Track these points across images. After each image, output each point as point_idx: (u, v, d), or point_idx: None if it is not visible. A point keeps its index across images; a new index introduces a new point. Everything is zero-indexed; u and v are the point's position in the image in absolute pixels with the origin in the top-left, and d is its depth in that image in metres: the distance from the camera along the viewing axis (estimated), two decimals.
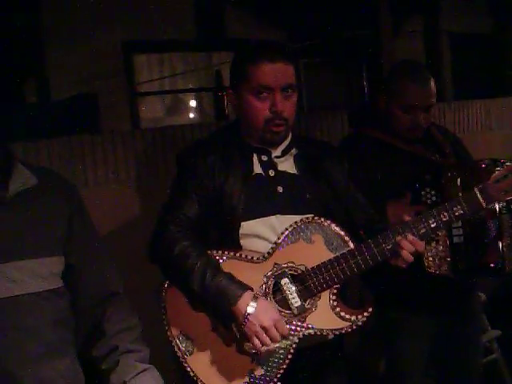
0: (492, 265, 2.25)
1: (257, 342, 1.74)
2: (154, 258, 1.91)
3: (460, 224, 2.23)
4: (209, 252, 1.85)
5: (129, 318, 1.63)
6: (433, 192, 2.24)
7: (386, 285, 2.28)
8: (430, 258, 2.23)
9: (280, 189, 1.92)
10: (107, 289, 1.64)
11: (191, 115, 4.30)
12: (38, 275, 1.46)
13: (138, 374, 1.50)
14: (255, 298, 1.75)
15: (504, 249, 2.24)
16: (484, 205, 1.80)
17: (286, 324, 1.81)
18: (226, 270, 1.81)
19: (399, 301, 2.43)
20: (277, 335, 1.75)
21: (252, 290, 1.78)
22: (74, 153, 2.73)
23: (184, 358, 1.85)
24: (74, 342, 1.56)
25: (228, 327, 1.81)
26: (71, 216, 1.56)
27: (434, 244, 2.22)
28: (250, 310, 1.73)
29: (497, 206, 2.21)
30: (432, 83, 2.39)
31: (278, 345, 1.80)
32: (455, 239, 2.24)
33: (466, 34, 5.38)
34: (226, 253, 1.85)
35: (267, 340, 1.74)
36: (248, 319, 1.73)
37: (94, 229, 1.67)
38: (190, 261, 1.79)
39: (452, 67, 5.28)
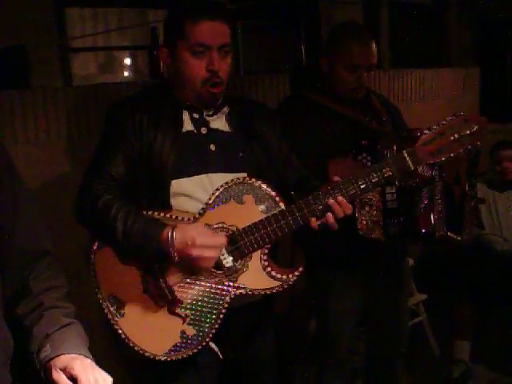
0: (423, 231, 2.31)
1: (198, 259, 1.73)
2: (79, 217, 1.88)
3: (394, 190, 2.28)
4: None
5: (56, 277, 1.60)
6: (369, 157, 2.26)
7: (318, 246, 2.32)
8: (364, 222, 2.27)
9: (212, 147, 1.91)
10: (37, 248, 1.59)
11: (125, 73, 4.18)
12: None
13: (62, 327, 1.47)
14: (176, 226, 1.73)
15: (435, 216, 2.30)
16: (412, 167, 1.84)
17: (218, 285, 1.82)
18: None
19: (331, 262, 2.48)
20: (215, 243, 1.74)
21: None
22: (2, 109, 2.62)
23: (115, 321, 1.84)
24: (1, 303, 1.52)
25: (159, 286, 1.80)
26: None
27: (367, 208, 2.26)
28: (174, 234, 1.71)
29: (431, 173, 2.27)
30: (373, 43, 2.43)
31: (209, 306, 1.81)
32: (388, 204, 2.29)
33: (405, 3, 5.44)
34: (155, 214, 1.83)
35: (209, 253, 1.73)
36: (175, 242, 1.71)
37: (24, 187, 1.60)
38: (112, 211, 1.76)
39: (390, 36, 5.33)
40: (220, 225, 1.83)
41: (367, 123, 2.46)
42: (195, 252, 1.71)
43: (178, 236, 1.72)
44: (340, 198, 1.81)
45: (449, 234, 2.35)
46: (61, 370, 1.36)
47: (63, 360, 1.38)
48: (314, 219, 1.82)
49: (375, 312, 2.64)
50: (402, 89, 4.53)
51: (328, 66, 2.45)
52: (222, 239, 1.77)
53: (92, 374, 1.35)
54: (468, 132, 1.84)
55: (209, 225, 1.83)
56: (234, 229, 1.83)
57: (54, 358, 1.39)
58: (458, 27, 5.62)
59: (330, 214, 1.81)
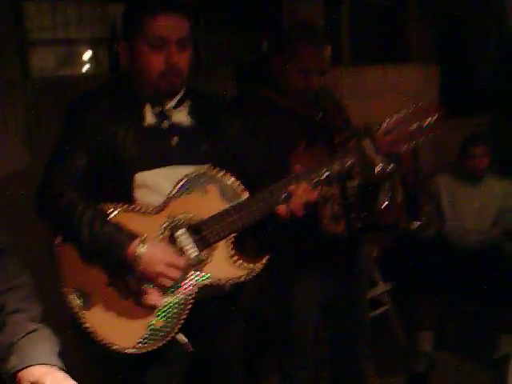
0: (386, 223, 2.33)
1: (160, 280, 1.74)
2: (40, 211, 1.85)
3: (355, 184, 2.30)
4: (101, 206, 1.80)
5: (17, 276, 1.53)
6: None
7: (281, 241, 2.32)
8: (327, 218, 2.28)
9: (174, 140, 1.90)
10: None
11: (86, 67, 4.12)
12: None
13: (27, 334, 1.40)
14: (144, 242, 1.74)
15: (397, 208, 2.33)
16: (373, 155, 1.85)
17: (184, 275, 1.80)
18: (119, 222, 1.77)
19: (294, 256, 2.46)
20: (174, 274, 1.75)
21: (142, 236, 1.76)
22: None
23: (81, 314, 1.80)
24: None
25: (124, 279, 1.78)
26: None
27: (329, 204, 2.27)
28: (140, 251, 1.72)
29: (391, 166, 2.29)
30: (327, 47, 2.41)
31: (176, 298, 1.79)
32: (350, 199, 2.31)
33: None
34: (119, 205, 1.81)
35: (165, 281, 1.75)
36: (141, 260, 1.72)
37: None
38: (77, 212, 1.75)
39: (351, 32, 5.38)
40: (184, 215, 1.82)
41: (321, 119, 2.46)
42: (162, 257, 1.74)
43: (148, 245, 1.73)
44: (304, 185, 1.82)
45: (411, 223, 2.39)
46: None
47: (33, 372, 1.32)
48: (283, 207, 1.82)
49: (334, 302, 2.64)
50: (362, 85, 4.57)
51: (279, 66, 2.41)
52: (184, 261, 1.78)
53: None
54: (427, 121, 1.86)
55: (173, 215, 1.81)
56: (199, 219, 1.82)
57: (22, 369, 1.33)
58: (418, 24, 5.70)
59: (294, 200, 1.81)
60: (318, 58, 2.38)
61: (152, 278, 1.75)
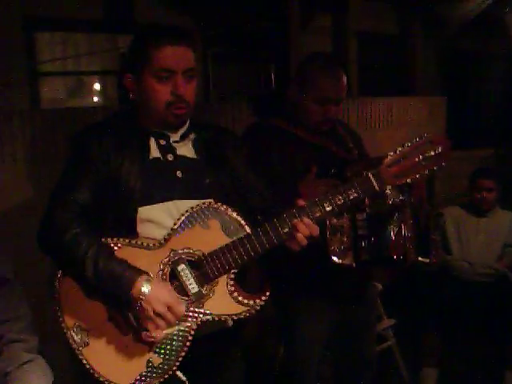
0: (394, 257, 2.31)
1: (151, 326, 1.73)
2: (42, 245, 1.84)
3: (365, 217, 2.29)
4: (103, 240, 1.80)
5: (17, 307, 1.55)
6: None
7: (288, 272, 2.32)
8: (335, 248, 2.27)
9: (179, 173, 1.91)
10: None
11: (95, 98, 4.16)
12: None
13: (23, 364, 1.42)
14: (149, 282, 1.73)
15: (406, 242, 2.31)
16: (377, 188, 1.85)
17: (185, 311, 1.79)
18: (120, 257, 1.77)
19: (300, 288, 2.47)
20: (171, 318, 1.74)
21: (148, 274, 1.75)
22: None
23: (79, 350, 1.79)
24: None
25: (125, 315, 1.78)
26: None
27: (338, 235, 2.26)
28: (144, 291, 1.71)
29: (401, 198, 2.29)
30: (344, 77, 2.43)
31: (175, 330, 1.79)
32: (359, 231, 2.29)
33: (373, 33, 5.54)
34: (120, 240, 1.81)
35: (161, 323, 1.73)
36: (141, 303, 1.71)
37: None
38: (81, 249, 1.75)
39: (358, 65, 5.42)
40: (186, 250, 1.81)
41: (335, 151, 2.47)
42: (160, 306, 1.72)
43: (153, 288, 1.72)
44: (306, 219, 1.82)
45: (419, 258, 2.37)
46: None
47: None
48: (294, 244, 1.83)
49: (342, 336, 2.62)
50: (369, 116, 4.59)
51: (297, 97, 2.44)
52: (182, 311, 1.77)
53: None
54: (433, 153, 1.86)
55: (174, 250, 1.81)
56: (200, 253, 1.81)
57: None
58: (424, 57, 5.74)
59: (299, 235, 1.81)
60: (337, 87, 2.40)
61: (150, 318, 1.74)
